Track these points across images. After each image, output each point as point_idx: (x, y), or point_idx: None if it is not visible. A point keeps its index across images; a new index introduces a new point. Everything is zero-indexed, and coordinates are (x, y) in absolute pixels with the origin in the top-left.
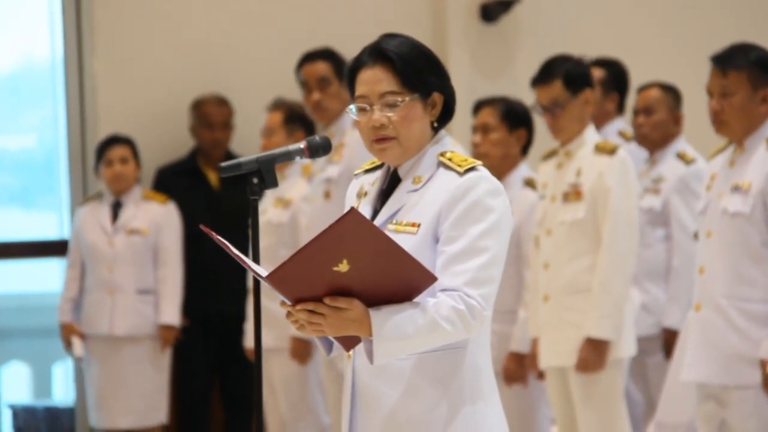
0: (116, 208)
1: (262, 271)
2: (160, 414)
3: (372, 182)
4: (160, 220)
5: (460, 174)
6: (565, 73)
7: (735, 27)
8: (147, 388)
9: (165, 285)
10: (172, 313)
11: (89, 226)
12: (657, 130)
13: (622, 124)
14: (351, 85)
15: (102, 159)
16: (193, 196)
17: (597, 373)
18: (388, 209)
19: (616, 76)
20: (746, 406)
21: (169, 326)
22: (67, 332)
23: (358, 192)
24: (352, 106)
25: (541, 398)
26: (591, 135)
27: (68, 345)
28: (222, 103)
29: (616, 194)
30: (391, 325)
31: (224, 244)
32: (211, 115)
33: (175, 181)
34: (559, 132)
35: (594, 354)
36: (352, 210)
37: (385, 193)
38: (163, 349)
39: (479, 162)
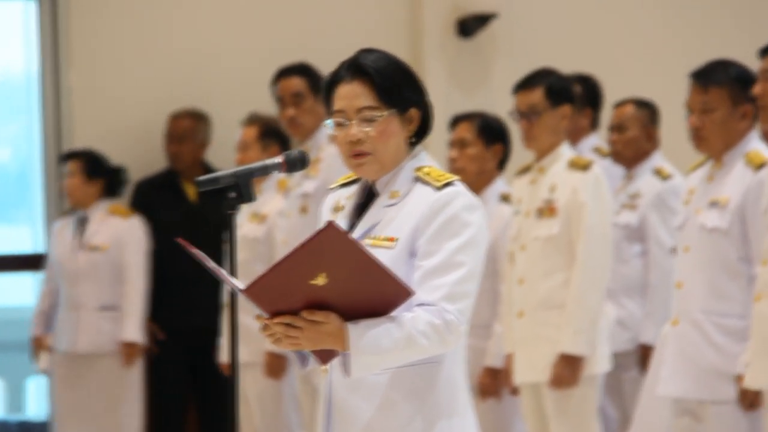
0: (82, 224)
1: (240, 283)
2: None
3: (348, 196)
4: (122, 236)
5: (437, 189)
6: (548, 84)
7: (712, 44)
8: (114, 405)
9: (127, 301)
10: (134, 330)
11: (58, 241)
12: (629, 147)
13: (597, 140)
14: (328, 100)
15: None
16: (170, 210)
17: (571, 389)
18: (364, 224)
19: (589, 92)
20: (722, 421)
21: (132, 343)
22: (35, 345)
23: (334, 206)
24: (329, 121)
25: (515, 413)
26: (565, 151)
27: (36, 358)
28: (185, 116)
29: (590, 210)
30: (367, 338)
31: (201, 257)
32: (174, 129)
33: (153, 195)
34: (532, 140)
35: (568, 370)
36: (331, 223)
37: (361, 208)
38: (125, 366)
39: (456, 177)
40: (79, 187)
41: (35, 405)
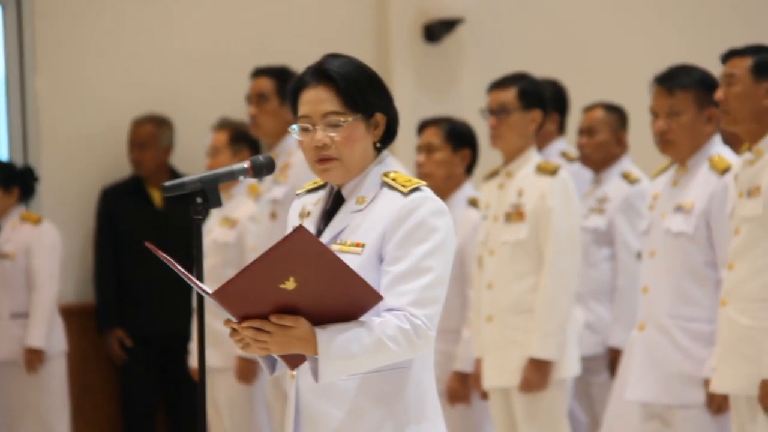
0: None
1: (209, 287)
2: None
3: (315, 202)
4: (30, 242)
5: (405, 194)
6: (522, 86)
7: (677, 49)
8: (36, 413)
9: (34, 308)
10: (37, 336)
11: None
12: (599, 151)
13: (564, 144)
14: (294, 105)
15: None
16: (137, 216)
17: (540, 393)
18: (332, 229)
19: (555, 97)
20: (690, 425)
21: (35, 349)
22: None
23: (301, 212)
24: (295, 126)
25: (485, 418)
26: (533, 155)
27: None
28: (146, 121)
29: (558, 214)
30: (336, 343)
31: (169, 261)
32: (136, 135)
33: (119, 201)
34: (498, 139)
35: (537, 374)
36: (300, 227)
37: (328, 214)
38: (29, 372)
39: (423, 182)
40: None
41: None
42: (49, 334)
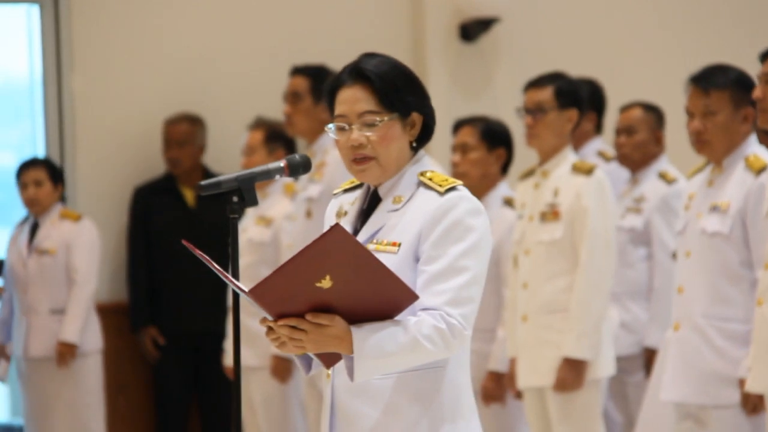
0: (35, 229)
1: (245, 286)
2: None
3: (351, 202)
4: (70, 239)
5: (441, 194)
6: (558, 85)
7: (712, 48)
8: (74, 408)
9: (71, 303)
10: (72, 331)
11: (11, 249)
12: (638, 150)
13: (601, 143)
14: (331, 104)
15: (19, 182)
16: (169, 215)
17: (575, 393)
18: (368, 229)
19: (592, 96)
20: (725, 425)
21: (67, 344)
22: None
23: (338, 212)
24: (331, 125)
25: (519, 418)
26: (569, 155)
27: None
28: (182, 120)
29: (594, 214)
30: (372, 342)
31: (206, 259)
32: (168, 133)
33: (152, 200)
34: (534, 138)
35: (572, 374)
36: (337, 226)
37: (365, 213)
38: (60, 367)
39: (459, 182)
40: (49, 194)
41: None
42: (86, 331)
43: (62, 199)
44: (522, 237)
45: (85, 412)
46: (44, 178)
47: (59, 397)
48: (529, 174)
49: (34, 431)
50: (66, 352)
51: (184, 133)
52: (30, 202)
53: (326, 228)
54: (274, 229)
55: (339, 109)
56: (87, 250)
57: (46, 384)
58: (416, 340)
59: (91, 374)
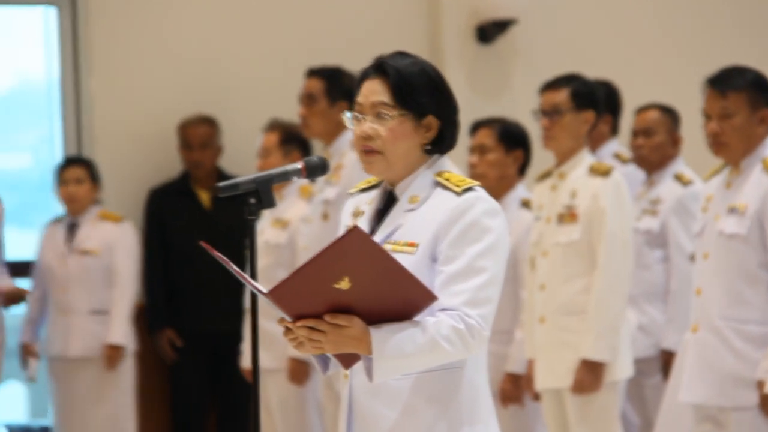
0: (73, 229)
1: (263, 287)
2: None
3: (368, 201)
4: (112, 240)
5: (458, 194)
6: (574, 87)
7: (728, 49)
8: (108, 409)
9: (115, 305)
10: (119, 333)
11: (47, 247)
12: (656, 152)
13: (617, 145)
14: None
15: (59, 179)
16: (185, 217)
17: (593, 395)
18: (385, 229)
19: (608, 98)
20: (744, 427)
21: (116, 346)
22: (24, 353)
23: (354, 211)
24: (348, 113)
25: (537, 419)
26: (585, 156)
27: (25, 365)
28: (201, 123)
29: (611, 216)
30: (390, 343)
31: (224, 260)
32: (188, 136)
33: (168, 201)
34: (551, 140)
35: (590, 376)
36: (356, 228)
37: (381, 213)
38: (108, 368)
39: (476, 182)
40: (88, 193)
41: (24, 410)
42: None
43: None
44: (539, 239)
45: (120, 412)
46: (85, 177)
47: (96, 397)
48: (546, 176)
49: (64, 430)
50: (115, 355)
51: (205, 135)
52: (69, 199)
53: (342, 227)
54: (290, 231)
55: (358, 98)
56: (129, 252)
57: (83, 383)
58: (435, 341)
59: (127, 375)
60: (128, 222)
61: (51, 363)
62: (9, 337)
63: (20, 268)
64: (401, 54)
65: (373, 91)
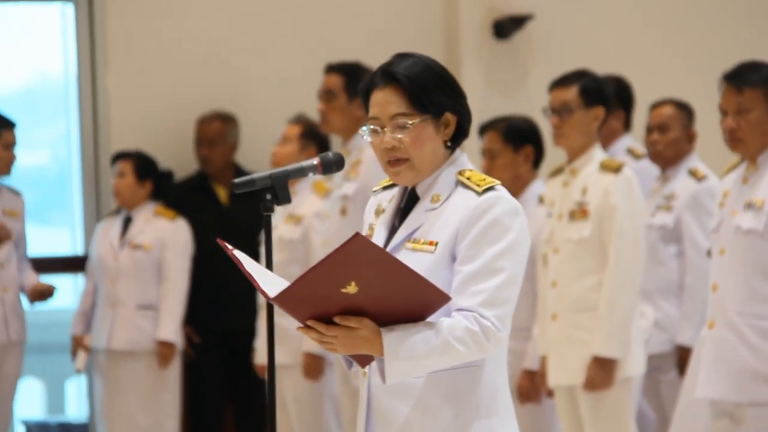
0: (127, 223)
1: (271, 292)
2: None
3: (390, 199)
4: (165, 237)
5: (479, 193)
6: (583, 83)
7: (745, 44)
8: (150, 404)
9: (165, 301)
10: (170, 330)
11: (100, 240)
12: (671, 148)
13: (630, 141)
14: (366, 105)
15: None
16: (202, 213)
17: (605, 392)
18: (406, 227)
19: (620, 93)
20: (760, 423)
21: (167, 343)
22: (75, 345)
23: (377, 209)
24: (365, 128)
25: (555, 417)
26: (597, 153)
27: (74, 357)
28: (214, 119)
29: (622, 212)
30: (403, 344)
31: (237, 261)
32: (199, 132)
33: (185, 198)
34: (561, 138)
35: (601, 372)
36: (357, 235)
37: (403, 211)
38: (160, 366)
39: (497, 181)
40: (130, 187)
41: (76, 406)
42: None
43: (157, 196)
44: (551, 235)
45: (163, 409)
46: (128, 171)
47: (140, 391)
48: (557, 172)
49: (106, 424)
50: (167, 353)
51: (216, 132)
52: (114, 192)
53: (366, 225)
54: (303, 226)
55: (372, 111)
56: (182, 249)
57: (128, 377)
58: (448, 343)
59: (174, 373)
60: (181, 219)
61: (95, 355)
62: (52, 333)
63: (44, 264)
64: (401, 56)
65: (389, 102)
